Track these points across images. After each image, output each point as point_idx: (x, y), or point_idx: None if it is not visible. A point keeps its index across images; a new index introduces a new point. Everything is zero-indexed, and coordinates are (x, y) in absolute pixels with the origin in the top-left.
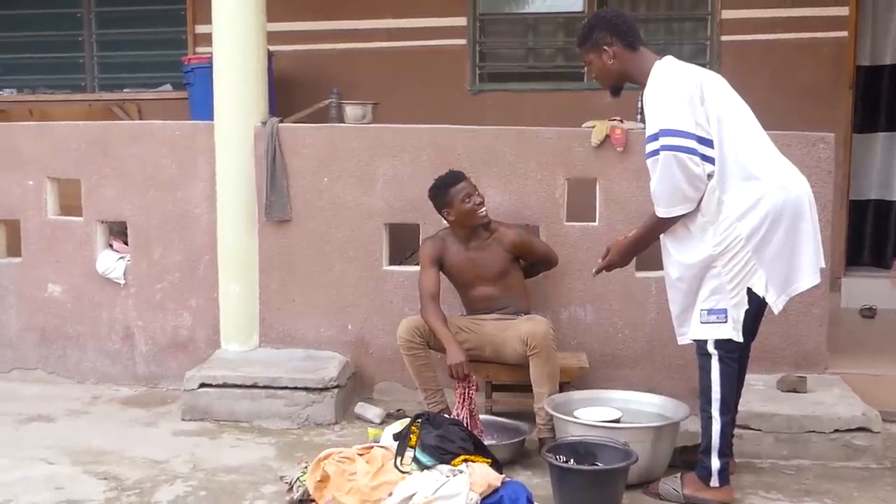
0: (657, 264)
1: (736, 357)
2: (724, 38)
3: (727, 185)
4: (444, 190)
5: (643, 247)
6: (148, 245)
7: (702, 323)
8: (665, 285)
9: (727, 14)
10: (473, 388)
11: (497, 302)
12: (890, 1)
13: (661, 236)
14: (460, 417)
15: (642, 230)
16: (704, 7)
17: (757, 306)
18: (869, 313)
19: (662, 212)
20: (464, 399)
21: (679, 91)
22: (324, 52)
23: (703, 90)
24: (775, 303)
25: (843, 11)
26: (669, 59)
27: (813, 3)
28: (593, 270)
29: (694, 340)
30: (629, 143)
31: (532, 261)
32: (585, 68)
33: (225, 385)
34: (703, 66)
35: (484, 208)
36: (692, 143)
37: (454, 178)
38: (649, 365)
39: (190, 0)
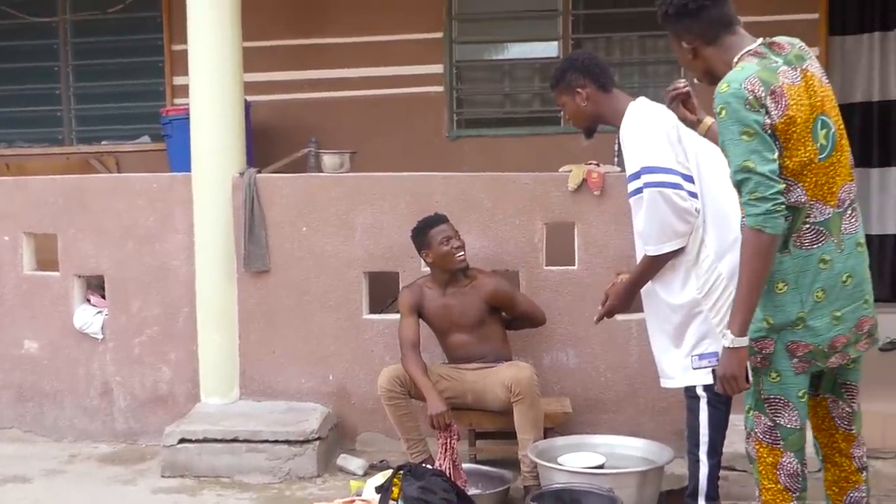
0: (637, 307)
1: (724, 400)
2: (696, 80)
3: (708, 225)
4: (424, 231)
5: (640, 288)
6: (126, 299)
7: (693, 369)
8: (646, 327)
9: None
10: (455, 437)
11: (475, 350)
12: (858, 39)
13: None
14: (443, 468)
15: (637, 272)
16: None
17: None
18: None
19: (653, 249)
20: (446, 449)
21: (657, 130)
22: (301, 102)
23: (678, 130)
24: None
25: (813, 52)
26: (643, 100)
27: None
28: (594, 319)
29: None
30: (606, 186)
31: (513, 315)
32: (562, 113)
33: (205, 440)
34: None
35: (462, 253)
36: (676, 179)
37: (435, 220)
38: (632, 408)
39: (168, 52)
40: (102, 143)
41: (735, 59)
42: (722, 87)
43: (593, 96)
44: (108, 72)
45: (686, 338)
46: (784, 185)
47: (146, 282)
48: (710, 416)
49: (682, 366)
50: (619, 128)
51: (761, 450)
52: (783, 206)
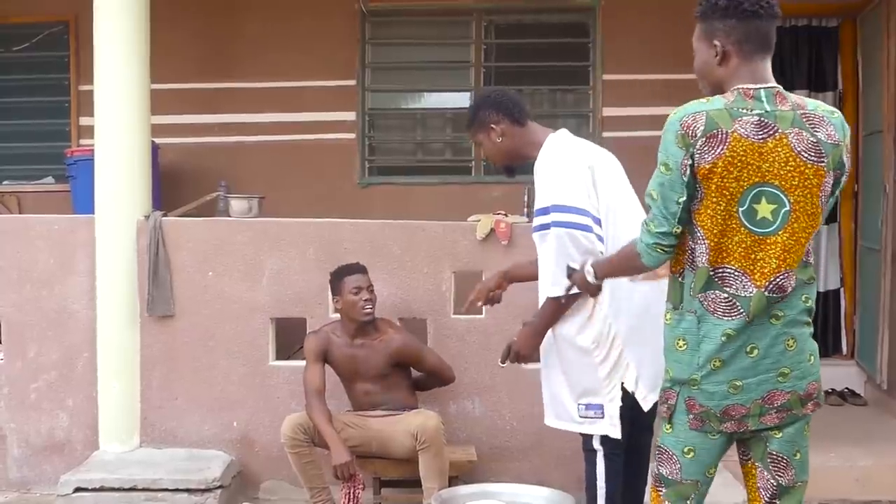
0: None
1: (620, 452)
2: (605, 134)
3: None
4: (339, 277)
5: (545, 332)
6: (22, 343)
7: (580, 417)
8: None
9: (608, 112)
10: (360, 487)
11: (380, 398)
12: None
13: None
14: None
15: (542, 316)
16: (586, 105)
17: (633, 402)
18: None
19: (556, 290)
20: (350, 499)
21: (573, 167)
22: (212, 145)
23: (594, 173)
24: (644, 399)
25: None
26: (564, 133)
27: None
28: (500, 360)
29: (580, 434)
30: (514, 236)
31: (421, 370)
32: (473, 163)
33: (102, 489)
34: None
35: (370, 306)
36: (587, 220)
37: (352, 268)
38: (538, 457)
39: (74, 92)
40: (4, 183)
41: (732, 88)
42: (671, 113)
43: (508, 131)
44: (11, 111)
45: (577, 383)
46: (679, 229)
47: (45, 326)
48: (606, 469)
49: (571, 410)
50: (535, 159)
51: (652, 494)
52: (667, 247)
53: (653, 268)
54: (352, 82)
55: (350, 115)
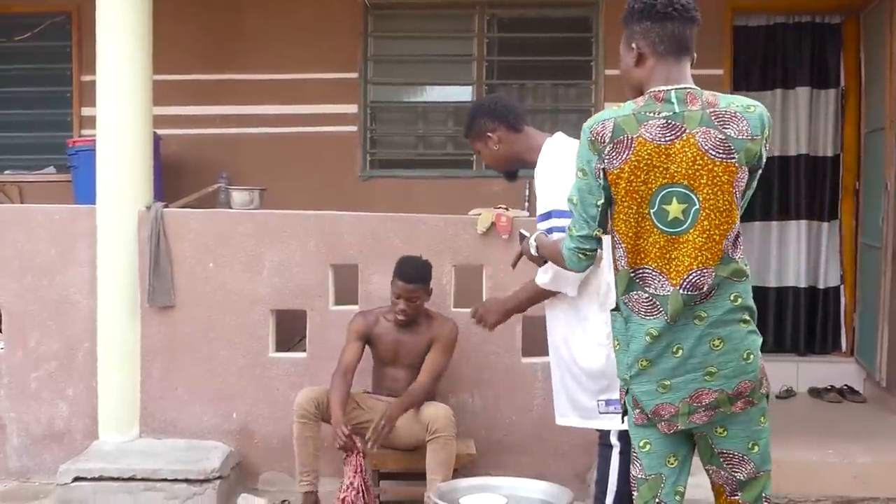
0: (543, 350)
1: None
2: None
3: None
4: (395, 273)
5: (517, 312)
6: (23, 332)
7: (601, 413)
8: (552, 365)
9: (610, 106)
10: (361, 455)
11: (404, 387)
12: (761, 96)
13: (561, 316)
14: (354, 486)
15: (524, 299)
16: (588, 100)
17: None
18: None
19: (547, 284)
20: (356, 470)
21: (571, 171)
22: (213, 137)
23: None
24: None
25: None
26: (560, 137)
27: None
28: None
29: (597, 430)
30: (515, 231)
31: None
32: (474, 157)
33: (101, 478)
34: None
35: (402, 317)
36: None
37: (403, 273)
38: (537, 450)
39: (77, 82)
40: (5, 172)
41: (647, 90)
42: (586, 122)
43: (505, 138)
44: (13, 100)
45: (598, 379)
46: (600, 232)
47: (45, 315)
48: (620, 465)
49: (589, 407)
50: (535, 165)
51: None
52: (588, 251)
53: (577, 271)
54: (354, 75)
55: (352, 108)
